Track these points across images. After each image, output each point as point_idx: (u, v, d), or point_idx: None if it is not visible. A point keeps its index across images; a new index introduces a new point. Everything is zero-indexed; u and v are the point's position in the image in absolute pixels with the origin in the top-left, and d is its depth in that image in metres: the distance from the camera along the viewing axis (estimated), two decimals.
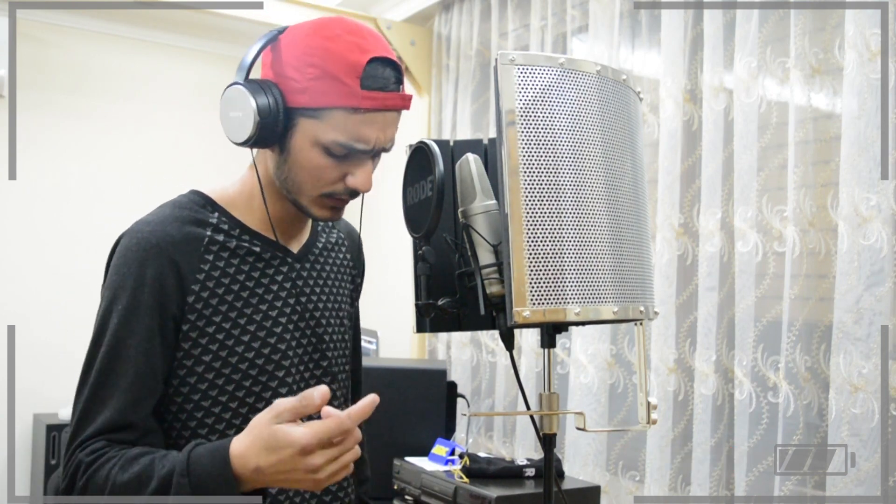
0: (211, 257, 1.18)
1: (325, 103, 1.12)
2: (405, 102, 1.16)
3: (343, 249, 1.39)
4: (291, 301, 1.24)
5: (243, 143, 1.15)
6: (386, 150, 1.19)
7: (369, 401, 1.02)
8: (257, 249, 1.22)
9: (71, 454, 1.11)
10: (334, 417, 1.00)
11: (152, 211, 1.22)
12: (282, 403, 1.02)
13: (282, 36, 1.16)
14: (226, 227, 1.21)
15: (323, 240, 1.36)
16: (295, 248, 1.28)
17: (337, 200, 1.20)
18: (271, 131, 1.13)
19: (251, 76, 1.17)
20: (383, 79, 1.13)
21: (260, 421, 1.02)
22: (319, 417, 1.02)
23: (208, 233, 1.19)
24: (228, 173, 1.29)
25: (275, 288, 1.23)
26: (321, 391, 1.01)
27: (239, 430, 1.10)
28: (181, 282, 1.15)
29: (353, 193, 1.20)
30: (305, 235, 1.31)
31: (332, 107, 1.12)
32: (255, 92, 1.12)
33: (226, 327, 1.18)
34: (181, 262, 1.15)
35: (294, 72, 1.13)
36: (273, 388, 1.20)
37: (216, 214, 1.21)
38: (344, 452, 1.02)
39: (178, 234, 1.17)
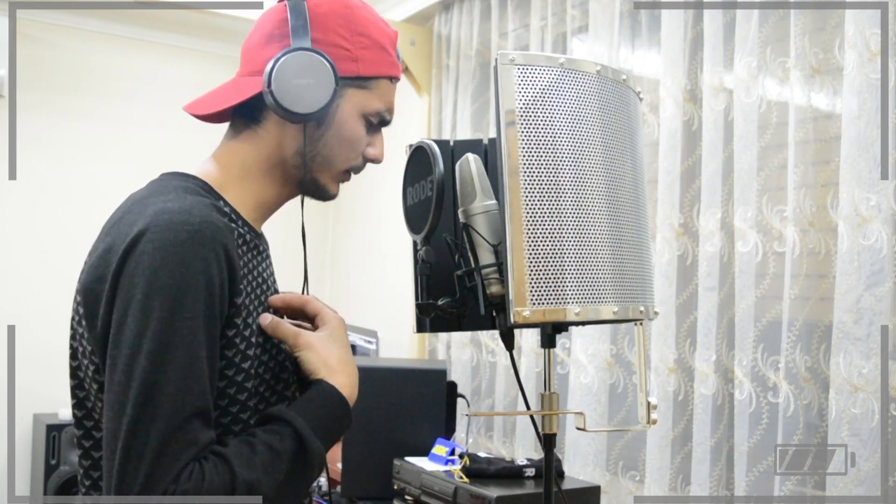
0: (241, 251, 1.05)
1: (375, 72, 1.13)
2: None
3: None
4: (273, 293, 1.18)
5: (308, 114, 1.07)
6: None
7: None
8: (255, 240, 1.11)
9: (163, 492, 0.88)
10: (299, 296, 1.15)
11: (162, 197, 1.01)
12: (282, 324, 1.07)
13: (308, 3, 1.10)
14: (233, 215, 1.08)
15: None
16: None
17: (350, 175, 1.19)
18: (331, 102, 1.08)
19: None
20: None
21: (321, 340, 1.07)
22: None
23: (230, 223, 1.06)
24: None
25: (270, 281, 1.16)
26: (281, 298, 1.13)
27: None
28: (233, 281, 1.00)
29: (361, 168, 1.20)
30: None
31: (381, 76, 1.14)
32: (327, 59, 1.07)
33: (257, 328, 1.06)
34: (234, 257, 1.00)
35: (343, 40, 1.10)
36: (285, 386, 1.12)
37: (221, 201, 1.08)
38: None
39: (223, 224, 1.00)
